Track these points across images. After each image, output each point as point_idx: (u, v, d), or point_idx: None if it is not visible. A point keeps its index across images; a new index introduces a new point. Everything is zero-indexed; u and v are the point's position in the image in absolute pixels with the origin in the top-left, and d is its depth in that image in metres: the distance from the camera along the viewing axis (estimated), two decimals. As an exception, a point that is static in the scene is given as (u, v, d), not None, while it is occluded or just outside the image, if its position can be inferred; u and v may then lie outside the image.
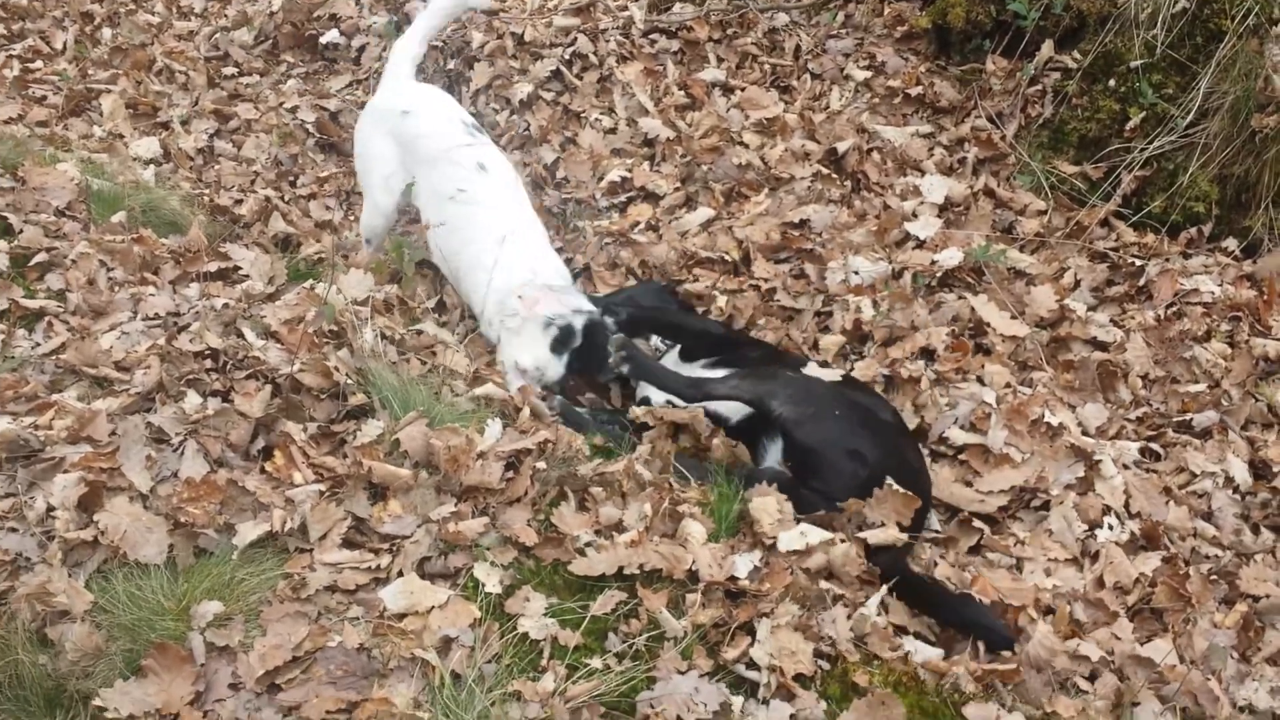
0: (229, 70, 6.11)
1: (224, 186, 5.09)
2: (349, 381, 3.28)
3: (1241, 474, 3.67)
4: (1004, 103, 4.90)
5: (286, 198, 5.03)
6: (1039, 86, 4.83)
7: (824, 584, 2.93)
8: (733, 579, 2.84)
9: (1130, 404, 3.91)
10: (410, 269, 3.98)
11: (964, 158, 4.82)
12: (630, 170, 5.16)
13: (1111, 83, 4.59)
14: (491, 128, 5.58)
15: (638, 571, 2.80)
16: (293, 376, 3.22)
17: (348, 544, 2.88)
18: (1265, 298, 4.18)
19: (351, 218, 4.94)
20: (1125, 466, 3.58)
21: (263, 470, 3.02)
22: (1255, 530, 3.51)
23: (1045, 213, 4.56)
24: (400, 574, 2.78)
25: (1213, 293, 4.25)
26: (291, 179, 5.24)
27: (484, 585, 2.75)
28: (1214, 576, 3.31)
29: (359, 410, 3.26)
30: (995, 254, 4.21)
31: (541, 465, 3.07)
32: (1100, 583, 3.25)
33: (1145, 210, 4.50)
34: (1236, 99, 4.29)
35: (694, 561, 2.85)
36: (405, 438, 3.11)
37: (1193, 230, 4.47)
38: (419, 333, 3.86)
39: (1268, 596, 3.29)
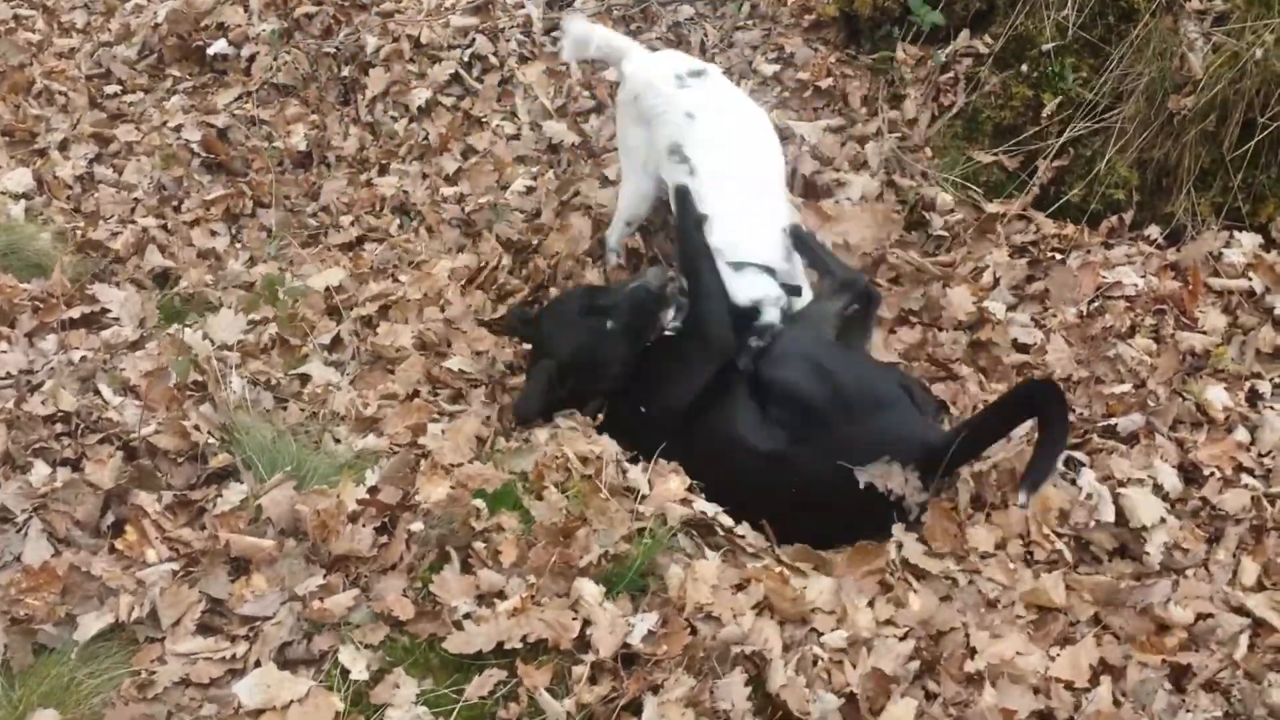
0: (111, 89, 5.77)
1: (102, 217, 4.79)
2: (210, 441, 3.03)
3: (1171, 480, 3.49)
4: (916, 92, 4.69)
5: (169, 225, 4.73)
6: (951, 74, 4.64)
7: (733, 640, 2.71)
8: (626, 645, 2.64)
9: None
10: (285, 308, 3.71)
11: (877, 152, 4.62)
12: (535, 179, 4.92)
13: (1024, 68, 4.41)
14: (390, 137, 5.33)
15: (520, 645, 2.58)
16: (147, 440, 2.97)
17: (203, 629, 2.65)
18: (1189, 288, 4.00)
19: (239, 245, 4.66)
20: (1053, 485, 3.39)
21: (112, 549, 2.78)
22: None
23: (956, 209, 4.36)
24: (258, 664, 2.55)
25: (1136, 285, 4.07)
26: (175, 204, 4.94)
27: (349, 672, 2.53)
28: (1143, 604, 3.12)
29: (222, 473, 3.02)
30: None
31: (418, 526, 2.84)
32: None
33: (1063, 200, 4.31)
34: (1152, 80, 4.11)
35: (586, 628, 2.64)
36: (269, 503, 2.88)
37: (1113, 219, 4.29)
38: (302, 377, 3.59)
39: (1203, 618, 3.11)
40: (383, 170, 5.16)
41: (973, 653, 2.94)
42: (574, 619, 2.66)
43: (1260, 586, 3.22)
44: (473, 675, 2.55)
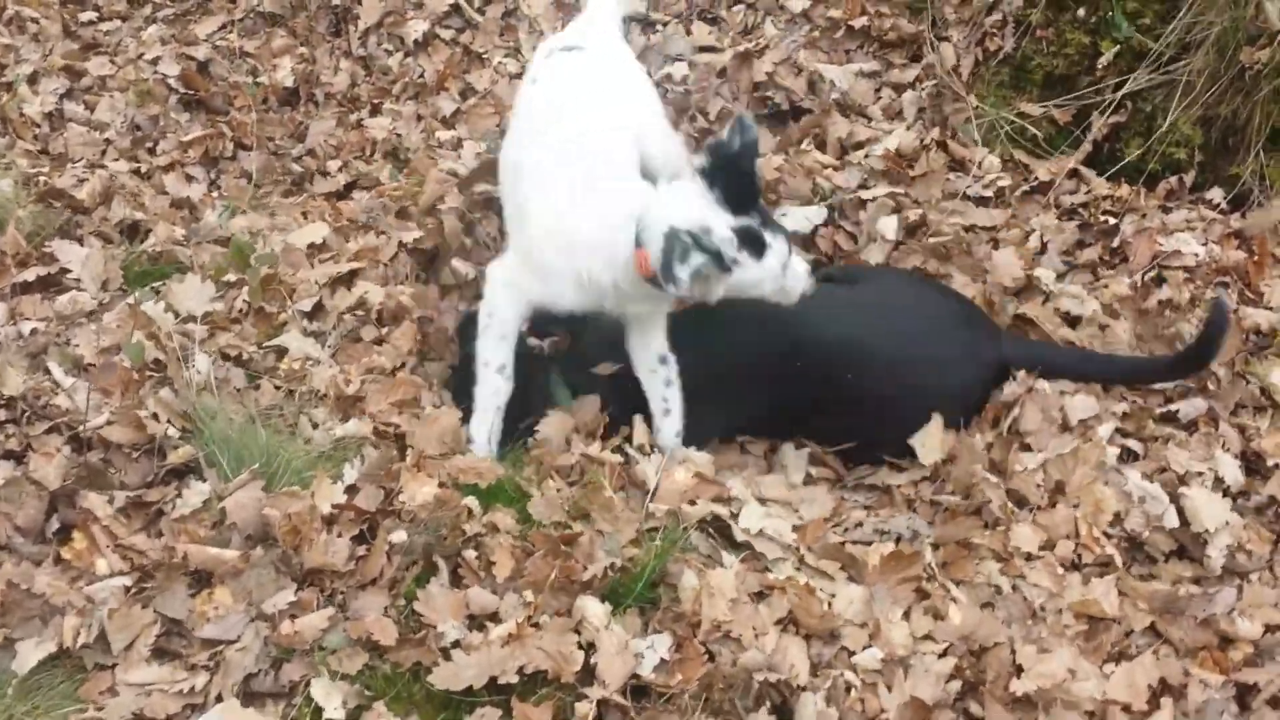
0: (87, 15, 5.35)
1: (70, 159, 4.41)
2: (169, 433, 2.71)
3: (1233, 473, 3.16)
4: (959, 35, 4.28)
5: (143, 169, 4.36)
6: (998, 16, 4.22)
7: (755, 667, 2.41)
8: (636, 676, 2.33)
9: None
10: (257, 277, 3.34)
11: (914, 101, 4.23)
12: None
13: (1081, 12, 3.99)
14: (383, 73, 4.93)
15: (515, 680, 2.27)
16: (98, 433, 2.64)
17: (160, 654, 2.36)
18: (1256, 259, 3.64)
19: (217, 194, 4.29)
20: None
21: (58, 559, 2.46)
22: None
23: (1003, 166, 3.98)
24: (220, 698, 2.25)
25: (1196, 254, 3.70)
26: (150, 146, 4.55)
27: (323, 710, 2.23)
28: (1205, 615, 2.81)
29: (182, 469, 2.70)
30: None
31: (399, 536, 2.52)
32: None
33: (1120, 160, 3.93)
34: (1223, 31, 3.70)
35: (590, 655, 2.34)
36: (234, 506, 2.56)
37: (1173, 180, 3.92)
38: (278, 349, 3.25)
39: (1270, 629, 2.81)
40: (374, 110, 4.77)
41: (1019, 671, 2.65)
42: (576, 646, 2.35)
43: (1330, 594, 2.93)
44: (462, 714, 2.26)
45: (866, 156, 4.05)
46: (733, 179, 2.67)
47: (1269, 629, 2.81)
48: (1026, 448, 3.15)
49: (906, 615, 2.75)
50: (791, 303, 2.87)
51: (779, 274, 2.77)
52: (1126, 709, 2.59)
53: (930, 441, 3.12)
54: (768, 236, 2.70)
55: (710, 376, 3.08)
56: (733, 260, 2.62)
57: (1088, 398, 3.28)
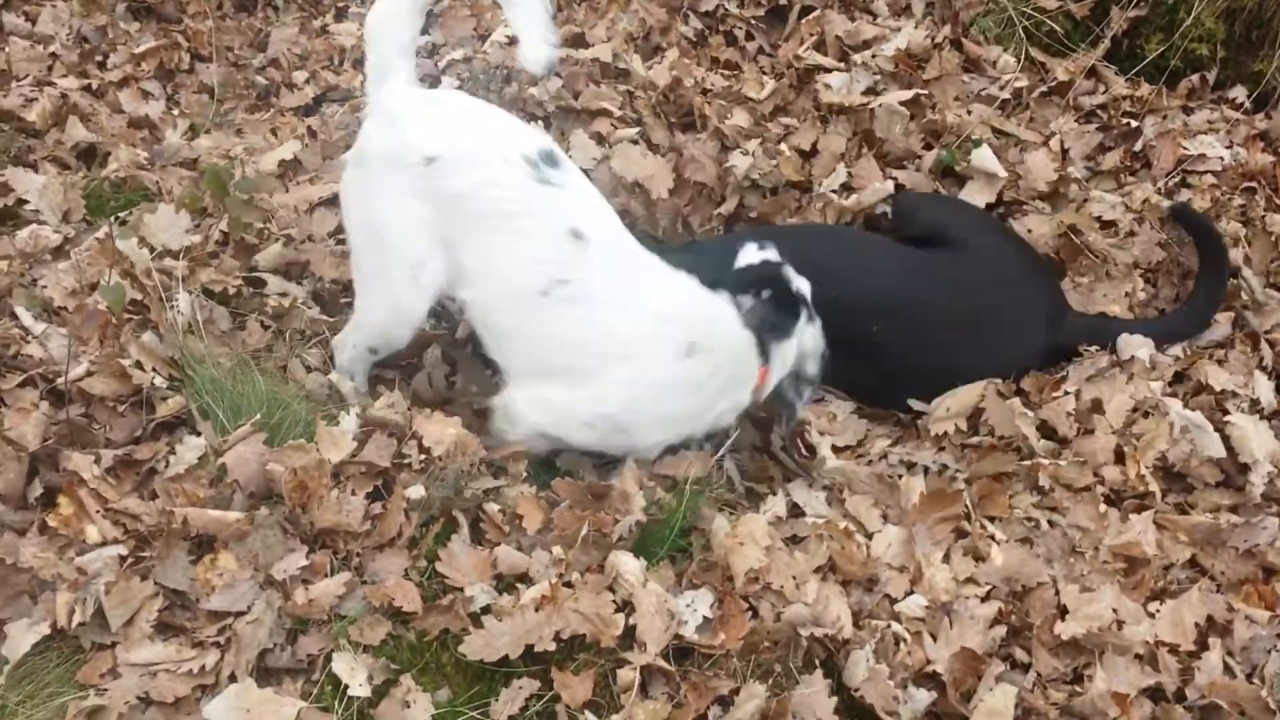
0: (19, -85, 4.92)
1: (15, 77, 4.06)
2: (157, 382, 2.49)
3: (1268, 395, 3.05)
4: (968, -77, 4.02)
5: (95, 86, 4.03)
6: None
7: (800, 622, 2.27)
8: (678, 637, 2.19)
9: (1141, 305, 3.26)
10: (239, 207, 3.07)
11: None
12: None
13: (1100, -101, 3.75)
14: (337, -22, 4.58)
15: (552, 648, 2.11)
16: (78, 385, 2.41)
17: (164, 629, 2.17)
18: (1284, 162, 3.50)
19: (177, 111, 3.98)
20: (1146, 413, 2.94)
21: (44, 528, 2.25)
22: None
23: (1019, 65, 3.77)
24: (233, 677, 2.08)
25: (1221, 158, 3.55)
26: (100, 60, 4.20)
27: (348, 686, 2.06)
28: (1246, 546, 2.71)
29: (173, 422, 2.48)
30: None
31: (417, 491, 2.33)
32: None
33: (1140, 57, 3.74)
34: (1252, -85, 3.49)
35: (629, 616, 2.19)
36: (234, 461, 2.35)
37: (1194, 78, 3.74)
38: (258, 285, 3.01)
39: (1312, 559, 2.73)
40: (339, 14, 4.45)
41: (1064, 613, 2.55)
42: (613, 606, 2.19)
43: (1371, 518, 2.84)
44: (498, 685, 2.10)
45: (874, 57, 3.83)
46: None
47: (1306, 558, 2.73)
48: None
49: (946, 558, 2.63)
50: None
51: None
52: (1174, 650, 2.50)
53: (958, 405, 2.99)
54: None
55: None
56: None
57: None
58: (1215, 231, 3.21)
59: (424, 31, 4.22)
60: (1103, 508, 2.73)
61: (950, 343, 3.02)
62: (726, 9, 4.21)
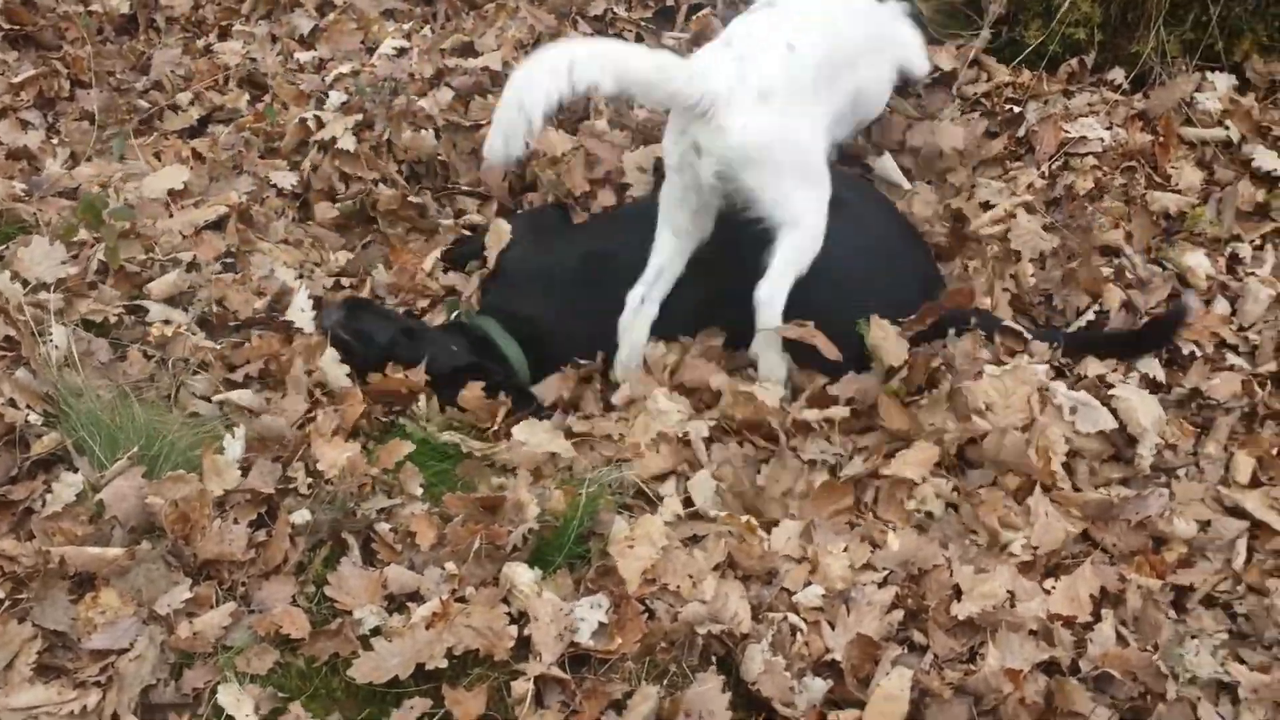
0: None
1: (-115, 108, 3.95)
2: (31, 419, 2.43)
3: (1154, 367, 3.12)
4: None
5: (-31, 117, 3.93)
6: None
7: (697, 621, 2.28)
8: (574, 644, 2.18)
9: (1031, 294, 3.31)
10: (114, 235, 3.00)
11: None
12: (408, 37, 4.21)
13: (972, -116, 3.81)
14: (222, -12, 4.52)
15: (445, 664, 2.10)
16: (-55, 428, 2.35)
17: (44, 671, 2.12)
18: (1161, 141, 3.57)
19: (56, 140, 3.89)
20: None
21: (-86, 575, 2.19)
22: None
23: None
24: (115, 717, 2.03)
25: (1102, 139, 3.62)
26: (-25, 91, 4.11)
27: (234, 717, 2.03)
28: (1139, 517, 2.77)
29: (49, 460, 2.42)
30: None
31: (302, 516, 2.30)
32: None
33: (1020, 44, 3.82)
34: (1120, -101, 3.57)
35: (523, 627, 2.18)
36: (112, 497, 2.31)
37: (1074, 62, 3.81)
38: (140, 313, 2.95)
39: (1202, 526, 2.79)
40: (224, 34, 4.39)
41: (959, 594, 2.58)
42: (507, 619, 2.18)
43: (1255, 483, 2.91)
44: (389, 708, 2.08)
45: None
46: None
47: (1201, 526, 2.79)
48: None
49: (846, 548, 2.64)
50: None
51: None
52: (1069, 623, 2.54)
53: (888, 345, 2.92)
54: None
55: None
56: None
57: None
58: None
59: (310, 47, 4.24)
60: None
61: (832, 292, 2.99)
62: (615, 12, 4.22)
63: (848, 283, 3.00)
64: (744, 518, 2.58)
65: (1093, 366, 3.05)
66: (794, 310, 2.90)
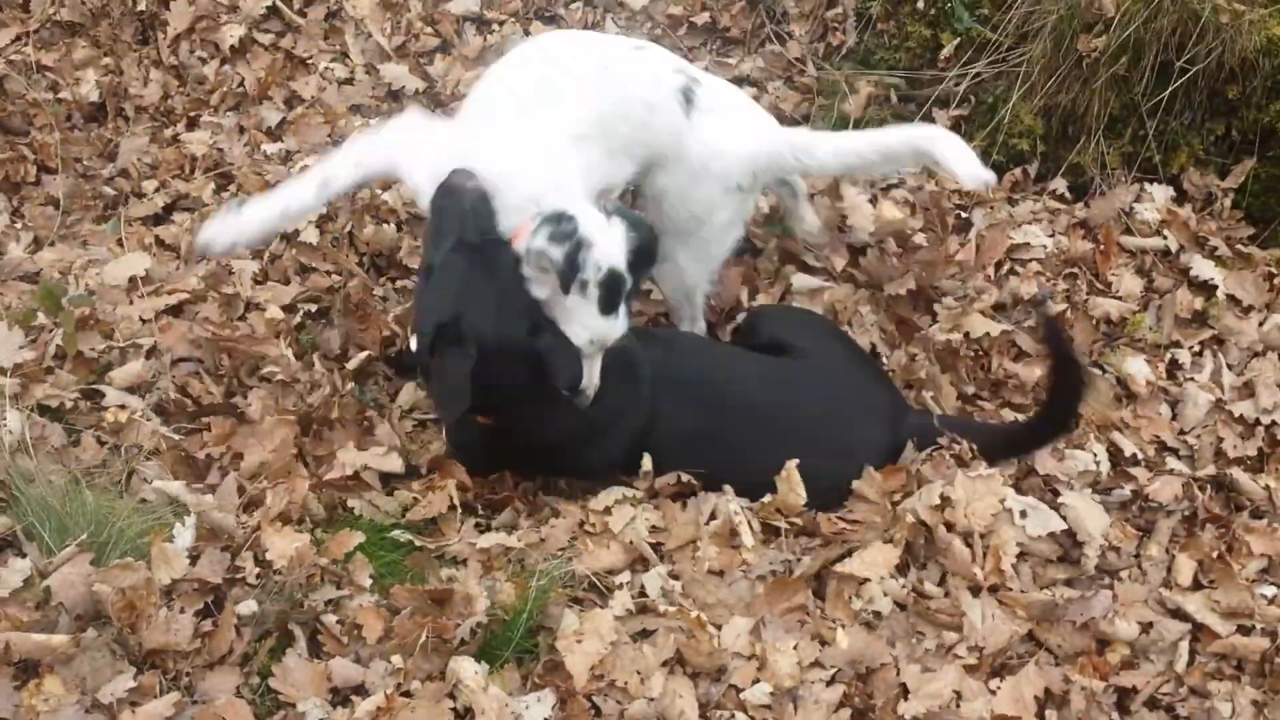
0: None
1: None
2: (-21, 506, 2.42)
3: (1104, 468, 3.19)
4: (800, 29, 4.22)
5: (-66, 200, 3.95)
6: (839, 9, 4.18)
7: (646, 717, 2.28)
8: (517, 741, 2.18)
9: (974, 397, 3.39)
10: (71, 321, 3.02)
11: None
12: (376, 130, 4.28)
13: (920, 4, 3.98)
14: (199, 83, 4.59)
15: (386, 762, 2.09)
16: (-109, 513, 2.34)
17: (-18, 763, 2.08)
18: (1102, 249, 3.71)
19: (20, 225, 3.91)
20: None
21: None
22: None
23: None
24: (52, 814, 2.00)
25: (1045, 246, 3.76)
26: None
27: (173, 817, 2.00)
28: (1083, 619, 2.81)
29: (0, 543, 2.41)
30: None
31: (249, 606, 2.30)
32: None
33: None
34: (1060, 18, 3.75)
35: (468, 721, 2.18)
36: (59, 584, 2.29)
37: (1017, 171, 3.96)
38: (96, 397, 2.96)
39: (1145, 629, 2.84)
40: (191, 124, 4.44)
41: (906, 692, 2.60)
42: (452, 715, 2.18)
43: (1197, 585, 2.97)
44: (331, 806, 2.06)
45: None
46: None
47: (1144, 628, 2.84)
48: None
49: (796, 646, 2.66)
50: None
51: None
52: (1013, 724, 2.57)
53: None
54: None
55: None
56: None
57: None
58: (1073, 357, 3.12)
59: (277, 139, 4.30)
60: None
61: (797, 441, 3.05)
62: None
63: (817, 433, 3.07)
64: (694, 613, 2.60)
65: (1044, 464, 3.11)
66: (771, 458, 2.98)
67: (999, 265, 3.73)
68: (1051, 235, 3.79)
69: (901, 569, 2.83)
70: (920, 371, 3.35)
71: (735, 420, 3.00)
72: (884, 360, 3.44)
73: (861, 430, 3.09)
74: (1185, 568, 2.98)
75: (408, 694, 2.21)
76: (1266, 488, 3.15)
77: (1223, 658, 2.82)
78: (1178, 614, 2.89)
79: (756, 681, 2.51)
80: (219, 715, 2.14)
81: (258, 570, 2.40)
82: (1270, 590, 2.95)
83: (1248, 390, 3.37)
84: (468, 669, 2.27)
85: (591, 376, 2.77)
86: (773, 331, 3.30)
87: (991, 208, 3.88)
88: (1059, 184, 3.95)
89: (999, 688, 2.63)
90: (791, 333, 3.28)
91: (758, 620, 2.65)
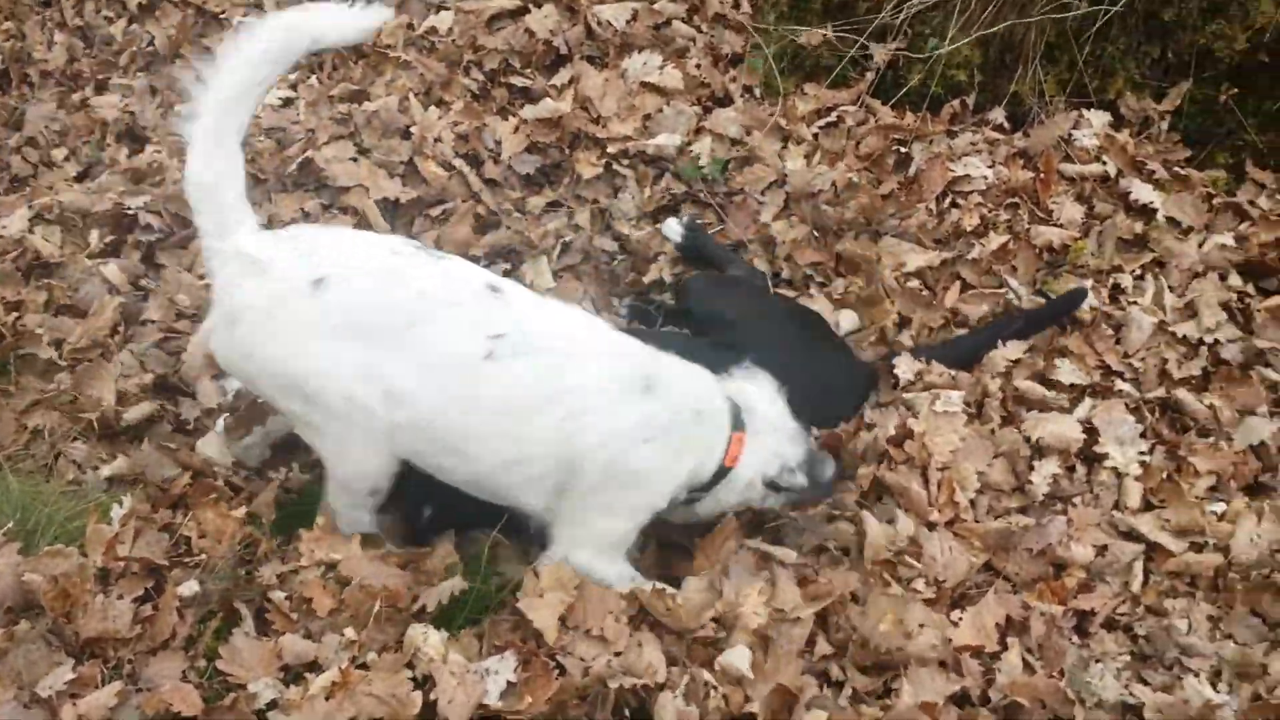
0: None
1: None
2: (-104, 497, 2.29)
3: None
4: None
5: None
6: (772, -60, 4.08)
7: (609, 675, 2.23)
8: (483, 706, 2.12)
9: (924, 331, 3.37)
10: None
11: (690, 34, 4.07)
12: (294, 88, 4.13)
13: (857, -64, 3.90)
14: (106, 44, 4.38)
15: (346, 738, 2.02)
16: None
17: (-86, 766, 1.98)
18: (1042, 177, 3.68)
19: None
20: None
21: None
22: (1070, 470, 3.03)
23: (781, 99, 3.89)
24: (-7, 815, 1.91)
25: (985, 177, 3.72)
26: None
27: (122, 809, 1.92)
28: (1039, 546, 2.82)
29: (-80, 536, 2.28)
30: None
31: (190, 587, 2.20)
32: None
33: (903, 86, 3.89)
34: (997, -53, 3.68)
35: (429, 691, 2.11)
36: (-14, 575, 2.17)
37: (955, 103, 3.90)
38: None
39: (1100, 551, 2.85)
40: (100, 87, 4.24)
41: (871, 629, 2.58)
42: (412, 684, 2.11)
43: (1147, 506, 3.00)
44: (289, 784, 1.99)
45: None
46: None
47: (1098, 551, 2.85)
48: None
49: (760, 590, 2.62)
50: None
51: None
52: (977, 653, 2.56)
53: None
54: None
55: None
56: None
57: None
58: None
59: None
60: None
61: None
62: (511, 64, 4.18)
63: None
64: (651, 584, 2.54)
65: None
66: None
67: (940, 198, 3.69)
68: (991, 166, 3.74)
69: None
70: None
71: None
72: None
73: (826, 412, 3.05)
74: (1134, 490, 3.00)
75: (364, 666, 2.13)
76: (1211, 406, 3.15)
77: (1177, 575, 2.85)
78: (1131, 535, 2.91)
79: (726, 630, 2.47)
80: (165, 702, 2.05)
81: (201, 549, 2.30)
82: (1220, 506, 2.98)
83: (1189, 311, 3.38)
84: (428, 638, 2.19)
85: None
86: (708, 305, 3.25)
87: (931, 141, 3.82)
88: (997, 114, 3.90)
89: (960, 619, 2.63)
90: (727, 305, 3.24)
91: (718, 568, 2.61)
